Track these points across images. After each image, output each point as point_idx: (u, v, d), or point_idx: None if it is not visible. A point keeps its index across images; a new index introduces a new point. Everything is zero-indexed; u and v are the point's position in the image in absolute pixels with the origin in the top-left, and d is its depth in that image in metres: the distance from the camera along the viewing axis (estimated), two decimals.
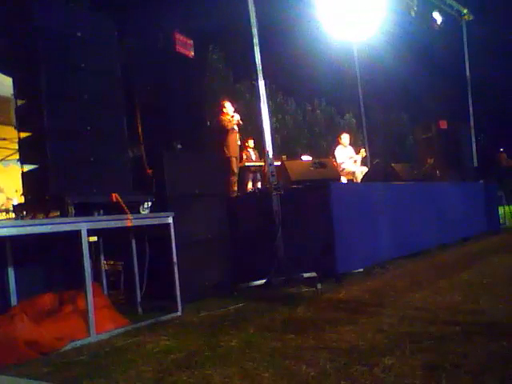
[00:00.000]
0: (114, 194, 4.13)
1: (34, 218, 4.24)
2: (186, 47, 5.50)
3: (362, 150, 10.21)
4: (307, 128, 24.86)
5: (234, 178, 8.95)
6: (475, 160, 11.17)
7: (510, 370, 2.54)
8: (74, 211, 3.86)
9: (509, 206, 12.45)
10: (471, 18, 11.68)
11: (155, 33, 5.50)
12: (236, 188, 8.80)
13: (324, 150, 20.44)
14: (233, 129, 8.75)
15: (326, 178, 6.17)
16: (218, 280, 5.33)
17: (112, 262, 5.23)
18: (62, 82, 4.10)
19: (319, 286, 5.05)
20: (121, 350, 3.51)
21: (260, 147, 8.75)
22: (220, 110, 8.83)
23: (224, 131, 8.65)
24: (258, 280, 5.26)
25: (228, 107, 8.87)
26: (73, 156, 4.10)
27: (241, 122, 8.80)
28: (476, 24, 12.08)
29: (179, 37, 5.45)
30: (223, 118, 8.69)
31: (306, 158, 11.30)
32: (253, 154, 10.39)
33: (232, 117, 8.70)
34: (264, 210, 5.64)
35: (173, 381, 2.79)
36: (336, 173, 7.23)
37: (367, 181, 8.31)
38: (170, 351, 3.35)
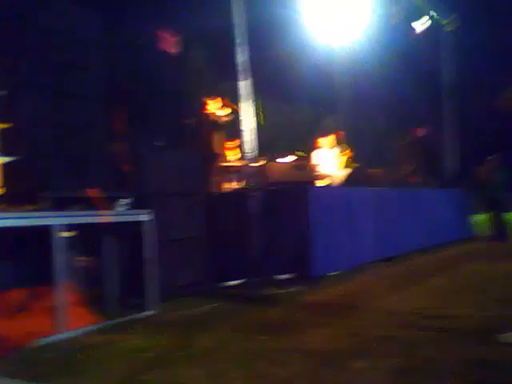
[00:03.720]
0: (90, 190, 4.08)
1: (7, 211, 4.16)
2: (169, 44, 5.47)
3: (343, 154, 10.25)
4: (288, 129, 24.93)
5: (219, 177, 8.88)
6: (451, 167, 11.34)
7: (475, 376, 2.59)
8: (49, 205, 3.80)
9: (482, 214, 12.68)
10: (452, 29, 11.87)
11: (140, 29, 5.46)
12: (218, 188, 8.73)
13: (303, 153, 20.50)
14: (219, 126, 8.68)
15: (305, 180, 6.20)
16: (193, 279, 5.30)
17: (86, 258, 5.16)
18: (42, 74, 4.04)
19: (294, 287, 5.06)
20: (91, 347, 3.46)
21: (240, 147, 8.72)
22: (205, 106, 8.75)
23: (213, 127, 8.57)
24: (234, 280, 5.25)
25: (213, 104, 8.81)
26: (50, 149, 4.04)
27: (229, 118, 8.72)
28: (456, 35, 12.28)
29: (163, 34, 5.42)
30: (211, 114, 8.60)
31: (285, 159, 11.31)
32: (232, 154, 10.34)
33: (215, 114, 8.63)
34: (242, 210, 5.63)
35: (143, 380, 2.76)
36: (315, 175, 7.26)
37: (345, 184, 8.36)
38: (142, 350, 3.32)
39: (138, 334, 3.76)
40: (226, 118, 8.58)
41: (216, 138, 8.65)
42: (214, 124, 8.52)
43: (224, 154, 9.80)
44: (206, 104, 8.75)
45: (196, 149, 6.12)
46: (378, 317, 3.94)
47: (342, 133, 10.76)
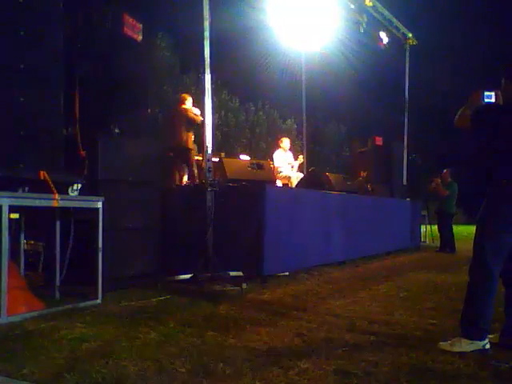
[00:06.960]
0: (42, 172, 3.95)
1: None
2: (133, 30, 5.36)
3: (300, 157, 10.39)
4: (248, 128, 25.00)
5: (195, 171, 8.82)
6: (405, 178, 11.66)
7: (413, 380, 2.66)
8: None
9: (431, 225, 13.12)
10: (415, 42, 12.20)
11: (104, 11, 5.31)
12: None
13: (263, 152, 20.63)
14: (192, 122, 8.60)
15: (262, 180, 6.22)
16: (143, 270, 5.23)
17: (32, 242, 5.00)
18: None
19: (244, 285, 5.08)
20: (32, 334, 3.36)
21: (199, 142, 8.66)
22: (182, 102, 8.65)
23: (192, 124, 8.52)
24: (185, 274, 5.21)
25: (190, 101, 8.73)
26: (1, 127, 3.87)
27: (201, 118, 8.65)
28: (419, 49, 12.64)
29: (128, 19, 5.30)
30: (189, 111, 8.51)
31: (244, 157, 11.34)
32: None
33: (192, 112, 8.55)
34: (197, 204, 5.60)
35: (85, 369, 2.69)
36: (272, 176, 7.30)
37: (301, 187, 8.45)
38: (85, 339, 3.24)
39: (82, 322, 3.67)
40: (200, 117, 8.45)
41: (185, 132, 8.56)
42: (188, 120, 8.42)
43: (190, 148, 9.71)
44: (186, 98, 8.68)
45: (157, 140, 6.02)
46: (325, 319, 4.00)
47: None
